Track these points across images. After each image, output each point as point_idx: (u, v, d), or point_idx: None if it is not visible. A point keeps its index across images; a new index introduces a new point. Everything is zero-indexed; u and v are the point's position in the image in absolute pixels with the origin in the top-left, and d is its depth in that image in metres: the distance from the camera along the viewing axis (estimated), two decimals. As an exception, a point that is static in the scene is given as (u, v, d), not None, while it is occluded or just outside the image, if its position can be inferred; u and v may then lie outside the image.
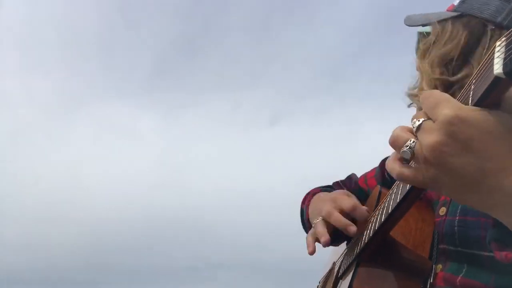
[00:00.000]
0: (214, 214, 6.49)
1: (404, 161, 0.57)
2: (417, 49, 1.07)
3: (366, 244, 0.91)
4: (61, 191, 6.47)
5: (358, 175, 1.40)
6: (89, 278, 6.28)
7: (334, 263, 1.25)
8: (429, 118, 0.53)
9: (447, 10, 1.06)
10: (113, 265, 6.44)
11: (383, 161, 1.29)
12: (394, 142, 0.57)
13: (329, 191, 1.30)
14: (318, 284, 1.42)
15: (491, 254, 0.78)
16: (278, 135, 6.65)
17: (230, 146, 6.76)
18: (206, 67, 6.86)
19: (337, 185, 1.40)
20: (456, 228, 0.86)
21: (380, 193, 1.09)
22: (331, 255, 1.37)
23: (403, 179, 0.57)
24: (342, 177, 1.44)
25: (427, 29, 1.04)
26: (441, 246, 0.91)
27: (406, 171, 0.56)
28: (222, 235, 6.38)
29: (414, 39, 1.11)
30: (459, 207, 0.87)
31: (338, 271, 1.13)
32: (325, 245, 1.05)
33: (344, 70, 6.64)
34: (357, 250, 0.96)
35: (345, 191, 1.21)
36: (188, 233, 6.54)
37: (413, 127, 0.55)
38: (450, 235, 0.88)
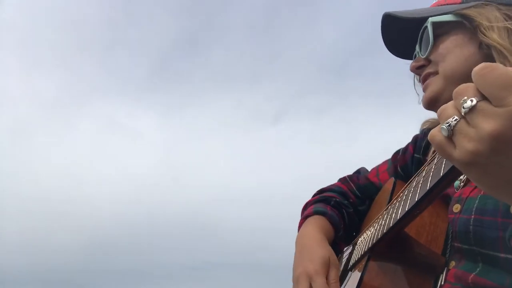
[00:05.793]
0: (214, 214, 6.48)
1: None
2: (436, 36, 0.96)
3: (380, 238, 0.89)
4: (61, 190, 6.47)
5: (369, 169, 1.36)
6: (89, 278, 6.27)
7: (342, 253, 1.23)
8: (485, 98, 0.44)
9: (444, 4, 0.99)
10: (113, 264, 6.42)
11: (395, 154, 1.25)
12: (440, 115, 0.49)
13: (322, 212, 1.20)
14: None
15: (509, 256, 0.75)
16: (281, 133, 6.65)
17: (231, 145, 6.75)
18: (208, 66, 6.86)
19: (343, 181, 1.35)
20: (471, 227, 0.83)
21: (394, 184, 1.06)
22: None
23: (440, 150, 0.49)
24: (348, 174, 1.39)
25: (445, 18, 0.95)
26: (455, 244, 0.88)
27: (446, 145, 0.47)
28: (222, 235, 6.37)
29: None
30: (475, 205, 0.84)
31: (347, 263, 1.12)
32: None
33: (346, 69, 6.64)
34: (369, 243, 0.94)
35: (326, 251, 1.03)
36: (189, 232, 6.53)
37: (462, 107, 0.45)
38: (464, 233, 0.85)
